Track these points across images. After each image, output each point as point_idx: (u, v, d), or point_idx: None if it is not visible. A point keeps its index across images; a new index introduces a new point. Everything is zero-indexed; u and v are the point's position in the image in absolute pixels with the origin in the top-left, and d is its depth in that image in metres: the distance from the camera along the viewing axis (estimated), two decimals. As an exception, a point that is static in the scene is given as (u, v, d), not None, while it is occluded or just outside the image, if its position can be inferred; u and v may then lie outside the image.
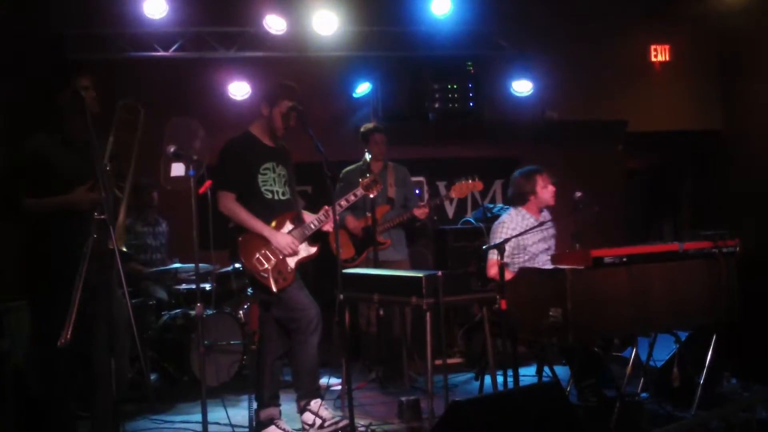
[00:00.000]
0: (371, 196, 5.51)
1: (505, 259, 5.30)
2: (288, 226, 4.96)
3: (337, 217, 4.80)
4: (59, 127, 4.21)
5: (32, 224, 4.14)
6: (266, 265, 4.83)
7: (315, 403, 4.90)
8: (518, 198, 5.49)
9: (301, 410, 4.96)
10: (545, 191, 5.42)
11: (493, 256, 5.25)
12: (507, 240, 5.20)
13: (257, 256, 4.84)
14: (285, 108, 4.88)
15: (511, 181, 5.60)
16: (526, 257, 5.32)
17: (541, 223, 5.30)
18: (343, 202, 5.26)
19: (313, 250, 5.03)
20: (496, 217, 7.19)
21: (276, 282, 4.81)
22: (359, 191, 5.32)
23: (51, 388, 4.18)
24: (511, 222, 5.39)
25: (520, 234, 5.17)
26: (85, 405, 4.40)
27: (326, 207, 4.94)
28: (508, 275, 5.10)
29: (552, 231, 5.50)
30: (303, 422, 4.94)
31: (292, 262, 4.91)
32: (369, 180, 5.37)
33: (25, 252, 4.21)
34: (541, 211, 5.50)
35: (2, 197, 4.26)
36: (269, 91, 5.02)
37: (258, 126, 5.03)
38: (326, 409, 4.92)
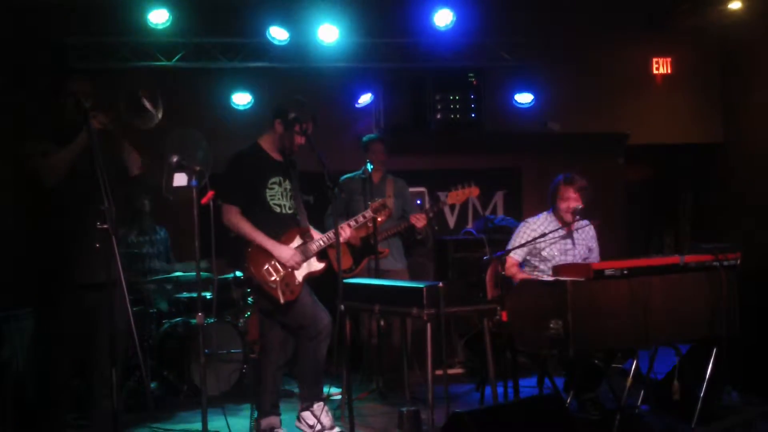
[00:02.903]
0: (379, 220, 5.54)
1: (521, 260, 5.31)
2: (296, 242, 4.96)
3: (341, 238, 4.80)
4: (59, 130, 4.22)
5: (30, 229, 4.16)
6: (274, 277, 4.83)
7: (318, 406, 4.92)
8: (549, 204, 5.43)
9: (304, 410, 4.96)
10: (561, 202, 5.29)
11: (516, 256, 5.26)
12: (509, 250, 5.23)
13: (266, 267, 4.83)
14: (299, 129, 4.87)
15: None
16: (542, 264, 5.26)
17: (546, 234, 5.25)
18: (352, 223, 5.28)
19: (321, 266, 5.03)
20: (498, 227, 7.23)
21: (284, 294, 4.81)
22: (368, 213, 5.36)
23: (46, 393, 4.19)
24: (534, 223, 5.33)
25: (527, 243, 5.16)
26: (85, 413, 4.41)
27: (341, 225, 4.89)
28: (520, 276, 5.12)
29: (581, 247, 5.34)
30: (302, 419, 4.93)
31: (299, 275, 4.91)
32: (379, 204, 5.41)
33: (26, 257, 4.23)
34: (574, 218, 5.28)
35: (19, 177, 4.29)
36: (288, 112, 4.91)
37: (268, 139, 5.01)
38: (328, 415, 4.92)
